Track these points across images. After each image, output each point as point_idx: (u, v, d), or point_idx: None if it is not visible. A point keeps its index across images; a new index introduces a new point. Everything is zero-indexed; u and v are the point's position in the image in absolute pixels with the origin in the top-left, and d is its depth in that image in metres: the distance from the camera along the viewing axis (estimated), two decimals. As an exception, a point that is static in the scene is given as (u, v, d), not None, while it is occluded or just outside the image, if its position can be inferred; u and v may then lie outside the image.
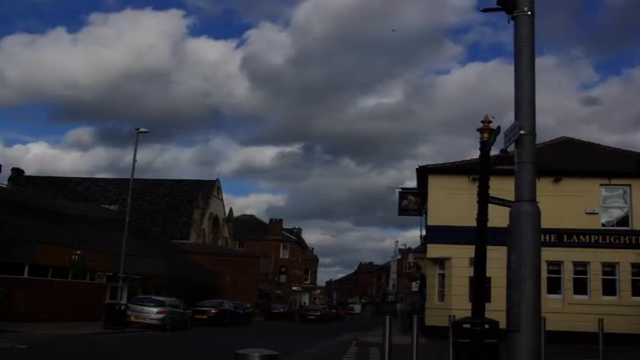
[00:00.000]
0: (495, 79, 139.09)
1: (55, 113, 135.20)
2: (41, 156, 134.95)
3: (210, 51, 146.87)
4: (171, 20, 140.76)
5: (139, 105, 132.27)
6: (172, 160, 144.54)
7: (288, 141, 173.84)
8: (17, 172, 63.18)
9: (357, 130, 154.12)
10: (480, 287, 12.31)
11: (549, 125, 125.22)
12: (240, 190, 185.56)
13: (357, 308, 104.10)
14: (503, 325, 7.22)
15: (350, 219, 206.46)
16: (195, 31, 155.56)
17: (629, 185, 25.21)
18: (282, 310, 54.02)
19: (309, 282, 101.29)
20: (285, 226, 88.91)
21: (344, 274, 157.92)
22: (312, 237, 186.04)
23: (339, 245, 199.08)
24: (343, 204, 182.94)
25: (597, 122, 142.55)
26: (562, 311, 23.51)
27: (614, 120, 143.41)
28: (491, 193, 12.79)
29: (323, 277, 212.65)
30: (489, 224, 12.50)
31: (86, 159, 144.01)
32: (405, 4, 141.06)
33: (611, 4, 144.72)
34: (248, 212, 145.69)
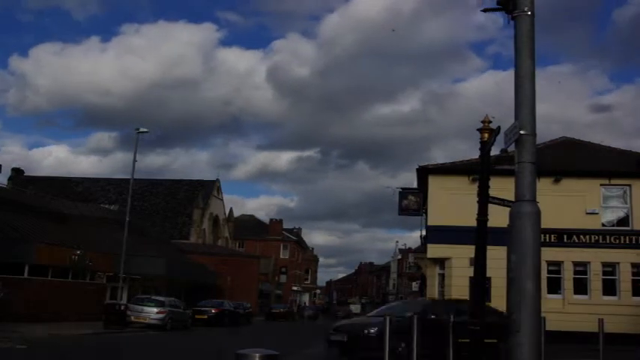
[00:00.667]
0: (512, 87, 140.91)
1: (81, 119, 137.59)
2: (61, 159, 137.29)
3: (237, 60, 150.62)
4: (203, 32, 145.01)
5: (164, 111, 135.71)
6: (191, 164, 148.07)
7: (305, 146, 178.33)
8: (17, 172, 63.20)
9: (373, 135, 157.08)
10: (480, 287, 12.30)
11: (560, 132, 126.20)
12: (251, 192, 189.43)
13: (357, 308, 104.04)
14: (503, 325, 7.22)
15: (358, 221, 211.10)
16: (224, 42, 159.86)
17: (629, 185, 25.19)
18: (282, 310, 54.05)
19: (309, 282, 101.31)
20: (294, 226, 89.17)
21: (345, 274, 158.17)
22: (320, 238, 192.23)
23: (345, 246, 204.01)
24: (353, 206, 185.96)
25: (607, 128, 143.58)
26: (562, 311, 23.49)
27: (624, 126, 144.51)
28: (492, 193, 12.78)
29: (326, 277, 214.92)
30: (489, 224, 12.48)
31: (104, 163, 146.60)
32: (430, 17, 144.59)
33: (617, 19, 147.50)
34: (258, 213, 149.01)
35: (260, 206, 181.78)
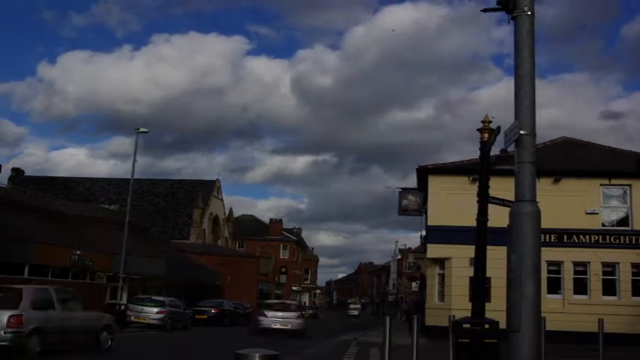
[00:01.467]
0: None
1: (104, 125, 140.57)
2: (80, 162, 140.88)
3: (264, 69, 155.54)
4: (233, 44, 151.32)
5: (187, 117, 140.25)
6: (207, 167, 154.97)
7: (321, 150, 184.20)
8: (17, 172, 63.21)
9: (388, 140, 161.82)
10: (480, 287, 12.30)
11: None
12: (264, 193, 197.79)
13: (357, 308, 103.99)
14: (503, 325, 7.23)
15: (366, 222, 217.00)
16: (252, 52, 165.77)
17: (629, 185, 25.20)
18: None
19: (309, 282, 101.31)
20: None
21: (345, 274, 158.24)
22: (327, 239, 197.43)
23: (350, 247, 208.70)
24: (363, 207, 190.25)
25: (617, 135, 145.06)
26: (562, 311, 23.50)
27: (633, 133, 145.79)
28: (492, 193, 12.79)
29: (326, 277, 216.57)
30: (489, 224, 12.50)
31: (120, 166, 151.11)
32: (454, 31, 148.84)
33: (625, 35, 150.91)
34: (267, 214, 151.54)
35: (270, 207, 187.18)
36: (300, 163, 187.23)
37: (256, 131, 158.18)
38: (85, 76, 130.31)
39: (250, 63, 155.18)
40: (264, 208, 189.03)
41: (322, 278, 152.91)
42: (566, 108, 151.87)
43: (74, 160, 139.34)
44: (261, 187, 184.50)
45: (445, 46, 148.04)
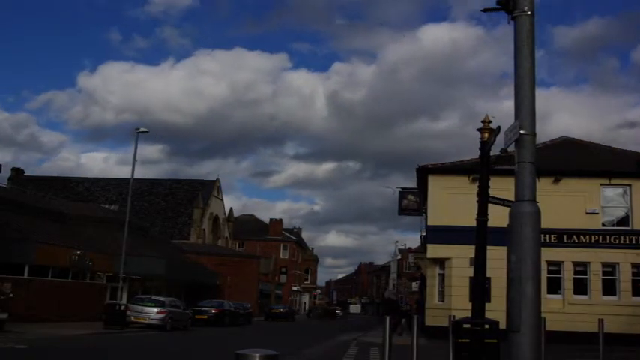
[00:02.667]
0: (550, 102, 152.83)
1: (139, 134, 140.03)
2: (106, 167, 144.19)
3: (300, 82, 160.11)
4: (275, 61, 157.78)
5: (221, 126, 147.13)
6: (231, 172, 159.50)
7: (345, 157, 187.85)
8: (17, 172, 63.22)
9: (412, 148, 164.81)
10: (480, 287, 12.29)
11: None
12: (283, 197, 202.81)
13: (357, 308, 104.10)
14: (503, 325, 7.22)
15: (377, 224, 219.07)
16: (291, 68, 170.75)
17: (629, 185, 25.20)
18: (282, 310, 54.03)
19: (309, 282, 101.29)
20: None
21: (345, 274, 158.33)
22: (338, 239, 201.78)
23: (359, 247, 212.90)
24: (377, 210, 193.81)
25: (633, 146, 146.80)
26: (562, 311, 23.51)
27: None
28: (491, 193, 12.78)
29: (326, 277, 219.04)
30: (489, 224, 12.49)
31: (148, 172, 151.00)
32: (489, 49, 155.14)
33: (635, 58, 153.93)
34: (281, 216, 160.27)
35: (286, 210, 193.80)
36: (323, 169, 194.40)
37: (283, 139, 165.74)
38: (125, 85, 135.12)
39: (289, 76, 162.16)
40: (281, 210, 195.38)
41: (322, 278, 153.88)
42: (581, 118, 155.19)
43: (102, 165, 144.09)
44: (280, 191, 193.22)
45: (476, 63, 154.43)
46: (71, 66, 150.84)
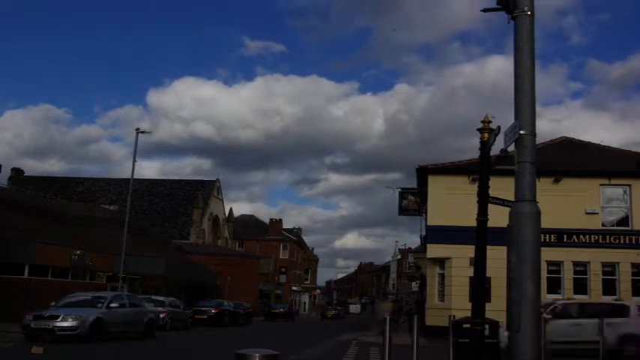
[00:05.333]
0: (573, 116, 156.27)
1: (191, 147, 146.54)
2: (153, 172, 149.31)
3: (362, 102, 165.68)
4: (345, 88, 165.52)
5: (274, 140, 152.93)
6: (277, 181, 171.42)
7: (387, 169, 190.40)
8: (17, 172, 63.19)
9: (452, 159, 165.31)
10: (480, 287, 12.28)
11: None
12: (319, 205, 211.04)
13: (357, 308, 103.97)
14: (503, 325, 7.22)
15: (389, 226, 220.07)
16: (358, 90, 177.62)
17: (629, 185, 25.20)
18: (282, 310, 54.05)
19: (309, 282, 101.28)
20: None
21: (345, 274, 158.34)
22: (358, 241, 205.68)
23: (373, 248, 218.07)
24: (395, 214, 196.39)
25: None
26: (562, 311, 23.49)
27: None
28: (491, 193, 12.77)
29: (326, 277, 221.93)
30: (489, 224, 12.48)
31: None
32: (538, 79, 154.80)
33: None
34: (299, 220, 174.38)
35: (312, 214, 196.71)
36: (364, 179, 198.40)
37: (333, 151, 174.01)
38: (194, 100, 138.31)
39: (353, 98, 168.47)
40: (309, 214, 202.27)
41: (322, 278, 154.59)
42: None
43: (150, 172, 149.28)
44: (316, 199, 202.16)
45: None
46: (146, 81, 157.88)
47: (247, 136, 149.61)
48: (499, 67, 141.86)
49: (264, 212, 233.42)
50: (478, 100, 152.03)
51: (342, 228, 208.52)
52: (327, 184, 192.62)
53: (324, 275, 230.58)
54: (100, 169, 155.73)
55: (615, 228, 25.09)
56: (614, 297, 24.35)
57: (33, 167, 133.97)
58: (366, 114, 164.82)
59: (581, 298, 24.53)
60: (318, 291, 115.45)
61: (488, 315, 11.93)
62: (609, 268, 24.69)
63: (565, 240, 24.60)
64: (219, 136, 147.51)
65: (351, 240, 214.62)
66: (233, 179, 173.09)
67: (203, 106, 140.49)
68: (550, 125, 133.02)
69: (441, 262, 25.95)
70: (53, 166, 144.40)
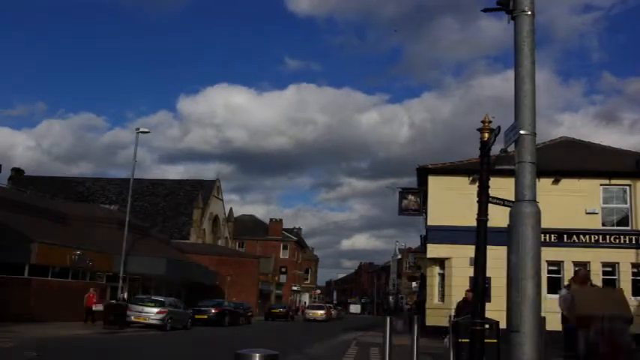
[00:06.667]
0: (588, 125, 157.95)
1: (219, 155, 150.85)
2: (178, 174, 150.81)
3: (389, 113, 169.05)
4: (374, 99, 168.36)
5: (297, 146, 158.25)
6: (297, 186, 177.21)
7: (403, 174, 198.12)
8: (17, 172, 63.22)
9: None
10: (480, 287, 12.28)
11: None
12: (334, 207, 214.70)
13: (357, 308, 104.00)
14: (503, 325, 7.22)
15: (399, 227, 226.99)
16: (388, 102, 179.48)
17: (629, 185, 25.20)
18: (281, 310, 54.06)
19: (309, 282, 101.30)
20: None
21: (345, 274, 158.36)
22: (368, 242, 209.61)
23: (380, 248, 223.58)
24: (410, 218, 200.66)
25: None
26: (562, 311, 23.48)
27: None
28: (492, 193, 12.76)
29: (325, 277, 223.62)
30: (489, 224, 12.47)
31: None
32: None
33: None
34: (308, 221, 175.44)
35: (324, 216, 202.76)
36: (380, 183, 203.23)
37: (351, 156, 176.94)
38: (225, 108, 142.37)
39: (381, 108, 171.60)
40: (321, 216, 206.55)
41: (322, 278, 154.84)
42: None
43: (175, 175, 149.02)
44: (333, 202, 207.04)
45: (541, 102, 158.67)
46: (176, 89, 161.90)
47: (275, 143, 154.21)
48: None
49: (277, 214, 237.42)
50: (502, 109, 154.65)
51: (353, 229, 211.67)
52: (344, 188, 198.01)
53: (325, 275, 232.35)
54: (125, 173, 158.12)
55: (615, 228, 25.09)
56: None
57: (59, 170, 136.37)
58: (390, 123, 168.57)
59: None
60: (319, 291, 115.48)
61: (488, 315, 11.93)
62: (609, 268, 24.69)
63: (565, 240, 24.60)
64: (249, 142, 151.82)
65: (360, 241, 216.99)
66: (254, 183, 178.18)
67: (235, 113, 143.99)
68: (568, 132, 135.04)
69: (441, 262, 25.95)
70: (83, 170, 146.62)
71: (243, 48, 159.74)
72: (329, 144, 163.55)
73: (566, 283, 24.73)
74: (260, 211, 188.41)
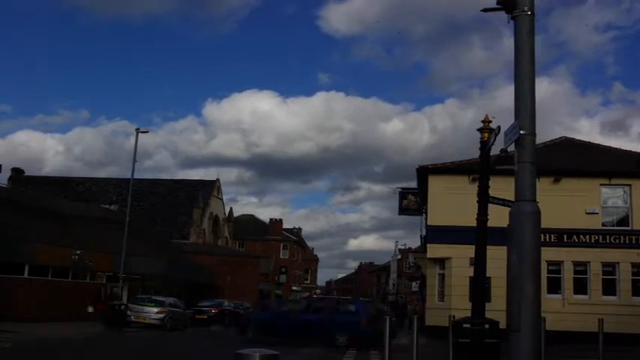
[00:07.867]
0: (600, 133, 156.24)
1: (237, 160, 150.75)
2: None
3: (411, 119, 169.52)
4: (397, 108, 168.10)
5: (313, 152, 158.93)
6: (312, 190, 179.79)
7: (413, 178, 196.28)
8: (17, 172, 63.18)
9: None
10: (480, 287, 12.29)
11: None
12: (345, 209, 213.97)
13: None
14: (503, 325, 7.23)
15: (407, 228, 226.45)
16: (408, 110, 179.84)
17: (629, 185, 25.20)
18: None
19: (309, 282, 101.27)
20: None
21: (345, 274, 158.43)
22: (376, 243, 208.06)
23: (387, 249, 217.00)
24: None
25: None
26: (562, 311, 23.50)
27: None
28: (492, 193, 12.78)
29: (325, 277, 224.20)
30: (489, 224, 12.49)
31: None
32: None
33: None
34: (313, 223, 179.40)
35: (336, 218, 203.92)
36: (394, 186, 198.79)
37: (369, 161, 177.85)
38: (249, 114, 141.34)
39: (404, 116, 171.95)
40: (333, 218, 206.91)
41: (322, 278, 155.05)
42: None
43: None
44: (346, 204, 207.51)
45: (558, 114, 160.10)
46: (201, 95, 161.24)
47: (300, 148, 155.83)
48: (544, 88, 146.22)
49: (289, 217, 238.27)
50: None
51: (361, 230, 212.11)
52: (359, 192, 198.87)
53: (326, 275, 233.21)
54: (149, 176, 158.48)
55: (615, 228, 25.09)
56: (614, 297, 24.38)
57: (80, 172, 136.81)
58: (411, 130, 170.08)
59: (582, 298, 24.55)
60: (319, 291, 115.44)
61: (488, 315, 11.94)
62: (609, 268, 24.69)
63: (565, 240, 24.60)
64: (275, 147, 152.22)
65: (367, 242, 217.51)
66: (271, 186, 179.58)
67: (262, 119, 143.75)
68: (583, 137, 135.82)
69: (441, 262, 25.94)
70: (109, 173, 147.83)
71: (274, 58, 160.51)
72: (350, 150, 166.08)
73: (566, 283, 24.82)
74: (275, 214, 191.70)
